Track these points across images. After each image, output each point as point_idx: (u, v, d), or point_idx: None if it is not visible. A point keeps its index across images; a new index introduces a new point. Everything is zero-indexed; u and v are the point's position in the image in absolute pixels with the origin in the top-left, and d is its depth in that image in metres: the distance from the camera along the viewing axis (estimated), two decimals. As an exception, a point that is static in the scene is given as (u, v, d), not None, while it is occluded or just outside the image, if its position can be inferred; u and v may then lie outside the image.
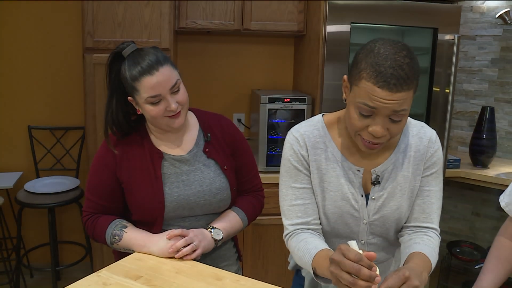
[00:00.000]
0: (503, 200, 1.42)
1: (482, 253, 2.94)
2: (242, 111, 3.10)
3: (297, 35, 2.99)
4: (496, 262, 1.42)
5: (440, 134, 2.72)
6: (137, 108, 1.53)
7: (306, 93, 2.82)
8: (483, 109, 2.93)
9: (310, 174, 1.36)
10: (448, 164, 2.83)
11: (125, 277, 1.34)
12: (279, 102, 2.63)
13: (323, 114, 1.41)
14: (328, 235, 1.39)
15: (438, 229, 1.36)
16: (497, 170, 2.85)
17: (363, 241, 1.37)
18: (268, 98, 2.62)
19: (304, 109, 2.65)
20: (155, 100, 1.46)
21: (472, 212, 3.24)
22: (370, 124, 1.18)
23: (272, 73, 3.16)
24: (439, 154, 1.36)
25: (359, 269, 1.01)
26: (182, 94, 1.52)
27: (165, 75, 1.46)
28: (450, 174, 2.83)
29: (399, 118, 1.17)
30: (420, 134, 1.36)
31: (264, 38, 3.15)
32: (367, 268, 1.02)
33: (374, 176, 1.33)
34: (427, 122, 2.75)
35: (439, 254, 3.30)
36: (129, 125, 1.59)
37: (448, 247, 3.08)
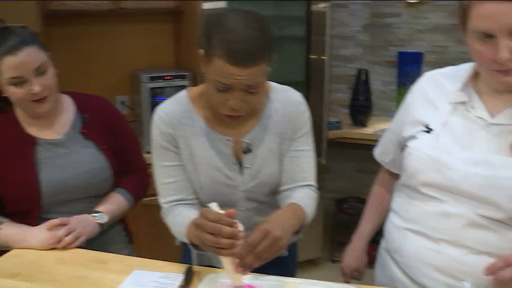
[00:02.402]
0: (377, 152, 1.54)
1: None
2: (125, 93, 3.01)
3: (174, 11, 2.96)
4: (372, 209, 1.57)
5: (320, 99, 2.87)
6: (1, 91, 1.46)
7: (189, 70, 2.81)
8: (359, 72, 3.11)
9: (179, 151, 1.38)
10: (329, 125, 2.98)
11: (0, 277, 1.27)
12: (160, 80, 2.61)
13: (188, 89, 1.43)
14: None
15: (315, 184, 1.45)
16: (374, 127, 3.05)
17: (242, 208, 1.42)
18: (149, 77, 2.59)
19: (186, 85, 2.64)
20: (17, 81, 1.40)
21: (356, 169, 3.46)
22: (228, 98, 1.22)
23: (153, 52, 3.11)
24: (307, 114, 1.43)
25: (220, 228, 1.08)
26: (49, 78, 1.46)
27: (30, 56, 1.40)
28: (332, 136, 2.99)
29: (255, 90, 1.23)
30: (285, 99, 1.41)
31: (142, 16, 3.08)
32: (229, 226, 1.08)
33: (244, 145, 1.38)
34: (308, 89, 2.88)
35: (330, 212, 3.50)
36: None
37: (337, 205, 3.28)
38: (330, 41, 2.89)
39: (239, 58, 1.14)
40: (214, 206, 1.13)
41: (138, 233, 2.69)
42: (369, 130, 3.04)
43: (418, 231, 1.27)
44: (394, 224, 1.36)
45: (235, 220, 1.11)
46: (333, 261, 3.18)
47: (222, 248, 1.09)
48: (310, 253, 3.12)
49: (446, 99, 1.28)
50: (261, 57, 1.17)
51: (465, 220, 1.18)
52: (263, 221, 1.14)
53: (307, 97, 2.88)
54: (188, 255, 1.55)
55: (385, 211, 1.52)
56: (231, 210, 1.11)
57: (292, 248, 1.58)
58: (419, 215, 1.27)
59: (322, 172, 3.01)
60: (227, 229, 1.08)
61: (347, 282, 1.54)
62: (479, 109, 1.23)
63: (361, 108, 3.08)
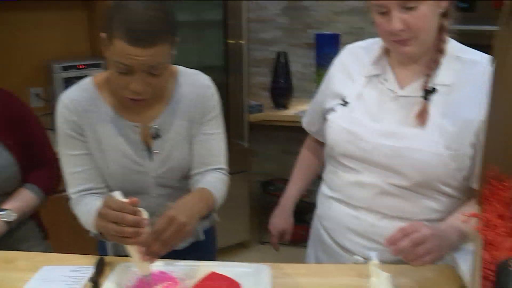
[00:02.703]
0: (304, 121, 1.61)
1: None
2: (39, 85, 2.89)
3: (86, -2, 2.87)
4: (299, 171, 1.65)
5: (240, 83, 2.88)
6: None
7: (104, 58, 2.73)
8: (278, 54, 3.15)
9: (85, 139, 1.35)
10: (251, 109, 3.00)
11: None
12: (74, 70, 2.52)
13: (93, 75, 1.39)
14: None
15: (226, 167, 1.46)
16: (296, 109, 3.10)
17: (154, 194, 1.41)
18: (61, 66, 2.50)
19: (101, 74, 2.58)
20: None
21: (281, 151, 3.52)
22: (130, 80, 1.20)
23: (67, 41, 2.99)
24: (216, 98, 1.44)
25: (123, 216, 1.07)
26: None
27: None
28: (254, 119, 3.02)
29: (158, 72, 1.21)
30: (194, 83, 1.41)
31: (53, 4, 2.95)
32: (132, 214, 1.07)
33: (153, 130, 1.36)
34: (227, 73, 2.88)
35: (256, 194, 3.53)
36: None
37: (263, 187, 3.33)
38: (247, 25, 2.89)
39: (138, 38, 1.13)
40: (117, 195, 1.12)
41: (55, 228, 2.61)
42: (290, 112, 3.09)
43: (340, 199, 1.38)
44: (323, 193, 1.47)
45: (139, 208, 1.10)
46: (262, 242, 3.23)
47: (127, 237, 1.08)
48: (239, 237, 3.16)
49: (362, 72, 1.36)
50: (161, 37, 1.16)
51: (378, 189, 1.29)
52: (169, 208, 1.14)
53: (226, 82, 2.93)
54: (104, 246, 1.53)
55: (312, 174, 1.63)
56: (134, 199, 1.10)
57: (209, 232, 1.58)
58: (340, 185, 1.38)
59: (246, 155, 3.06)
60: (130, 217, 1.07)
61: (275, 244, 1.61)
62: (391, 82, 1.31)
63: (282, 90, 3.13)
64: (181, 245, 1.48)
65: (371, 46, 1.38)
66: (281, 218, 1.61)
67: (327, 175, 1.46)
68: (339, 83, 1.40)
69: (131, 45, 1.13)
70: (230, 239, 3.10)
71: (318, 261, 1.51)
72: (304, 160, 1.65)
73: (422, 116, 1.23)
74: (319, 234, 1.49)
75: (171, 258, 1.31)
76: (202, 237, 1.53)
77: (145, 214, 1.11)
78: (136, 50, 1.14)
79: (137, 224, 1.07)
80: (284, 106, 3.14)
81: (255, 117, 3.03)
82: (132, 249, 1.11)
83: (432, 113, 1.23)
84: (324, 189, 1.47)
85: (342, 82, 1.40)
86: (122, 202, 1.09)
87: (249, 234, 3.20)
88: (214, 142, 1.43)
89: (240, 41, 2.85)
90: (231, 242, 3.11)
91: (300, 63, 3.40)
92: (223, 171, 1.44)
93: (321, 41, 3.21)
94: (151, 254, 1.11)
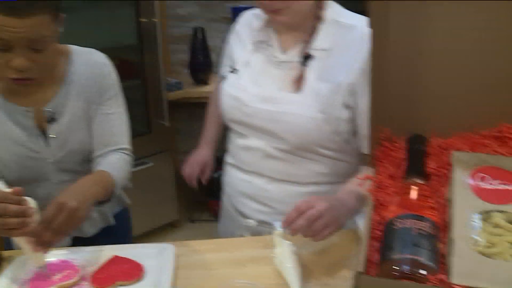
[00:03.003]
0: None
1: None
2: None
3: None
4: (209, 121, 1.71)
5: (156, 61, 2.81)
6: None
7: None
8: (195, 30, 3.11)
9: None
10: (169, 87, 2.96)
11: None
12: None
13: None
14: (17, 184, 1.32)
15: (129, 147, 1.42)
16: (216, 84, 3.07)
17: (55, 181, 1.36)
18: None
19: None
20: None
21: (205, 127, 3.50)
22: (11, 58, 1.13)
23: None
24: (113, 76, 1.39)
25: (5, 207, 1.02)
26: None
27: None
28: (174, 97, 2.98)
29: (42, 47, 1.15)
30: (88, 61, 1.36)
31: None
32: (16, 204, 1.02)
33: (47, 114, 1.30)
34: (142, 52, 2.80)
35: (181, 173, 3.48)
36: None
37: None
38: (162, 2, 2.82)
39: (12, 7, 1.06)
40: None
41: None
42: (211, 87, 3.04)
43: (234, 164, 1.44)
44: (225, 160, 1.51)
45: (24, 197, 1.05)
46: (192, 221, 3.22)
47: (13, 228, 1.03)
48: (168, 217, 3.14)
49: (251, 38, 1.38)
50: (37, 7, 1.09)
51: (262, 152, 1.34)
52: (59, 194, 1.10)
53: (142, 61, 2.84)
54: (9, 240, 1.46)
55: (222, 126, 1.65)
56: (18, 188, 1.05)
57: (121, 216, 1.55)
58: (233, 150, 1.43)
59: (168, 134, 3.03)
60: (13, 207, 1.02)
61: (192, 179, 1.67)
62: (274, 47, 1.34)
63: (201, 66, 3.10)
64: (90, 231, 1.45)
65: (262, 13, 1.38)
66: (202, 151, 1.68)
67: (228, 142, 1.50)
68: (233, 51, 1.44)
69: (5, 15, 1.06)
70: (159, 219, 3.08)
71: (226, 230, 1.54)
72: (211, 113, 1.71)
73: (298, 81, 1.27)
74: (223, 201, 1.55)
75: (81, 246, 1.27)
76: (112, 221, 1.49)
77: (32, 203, 1.06)
78: (12, 21, 1.07)
79: (22, 214, 1.02)
80: (205, 82, 3.11)
81: (175, 95, 2.99)
82: (21, 241, 1.06)
83: (309, 78, 1.27)
84: (226, 156, 1.51)
85: (235, 50, 1.43)
86: (4, 193, 1.03)
87: (178, 213, 3.18)
88: (115, 122, 1.39)
89: (153, 19, 2.77)
90: (160, 222, 3.09)
91: (219, 38, 3.33)
92: (126, 151, 1.40)
93: (237, 15, 3.17)
94: (43, 244, 1.06)
